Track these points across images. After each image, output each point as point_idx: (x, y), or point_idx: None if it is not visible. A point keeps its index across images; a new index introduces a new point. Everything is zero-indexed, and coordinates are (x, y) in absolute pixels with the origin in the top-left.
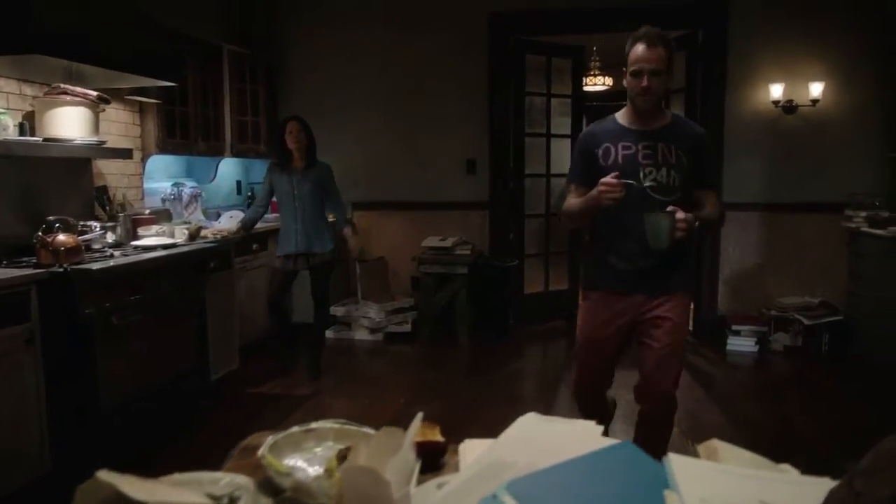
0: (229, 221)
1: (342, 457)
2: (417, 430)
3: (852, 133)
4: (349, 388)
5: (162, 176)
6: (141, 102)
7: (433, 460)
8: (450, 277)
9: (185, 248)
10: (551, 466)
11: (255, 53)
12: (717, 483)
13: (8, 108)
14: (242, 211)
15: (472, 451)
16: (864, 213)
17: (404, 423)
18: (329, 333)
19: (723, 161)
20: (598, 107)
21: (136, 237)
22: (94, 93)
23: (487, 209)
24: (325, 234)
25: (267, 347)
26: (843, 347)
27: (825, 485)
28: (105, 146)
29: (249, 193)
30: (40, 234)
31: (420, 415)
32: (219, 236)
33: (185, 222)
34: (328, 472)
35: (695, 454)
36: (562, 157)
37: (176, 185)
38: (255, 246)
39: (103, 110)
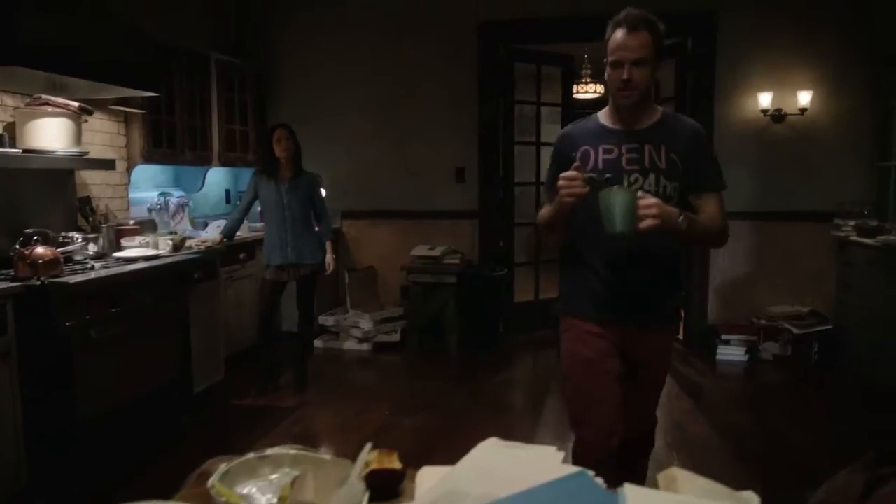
0: (216, 231)
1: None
2: (374, 457)
3: (841, 142)
4: (335, 400)
5: (149, 185)
6: (126, 112)
7: (390, 488)
8: (439, 287)
9: (169, 260)
10: (505, 498)
11: (245, 62)
12: None
13: None
14: None
15: (429, 478)
16: (852, 222)
17: (388, 436)
18: (317, 343)
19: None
20: (588, 114)
21: (120, 248)
22: (76, 103)
23: (477, 218)
24: (313, 245)
25: (254, 357)
26: (833, 357)
27: None
28: (87, 157)
29: (238, 202)
30: (18, 246)
31: (368, 445)
32: (203, 247)
33: (172, 233)
34: (280, 502)
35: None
36: None
37: (163, 194)
38: (242, 255)
39: (86, 121)
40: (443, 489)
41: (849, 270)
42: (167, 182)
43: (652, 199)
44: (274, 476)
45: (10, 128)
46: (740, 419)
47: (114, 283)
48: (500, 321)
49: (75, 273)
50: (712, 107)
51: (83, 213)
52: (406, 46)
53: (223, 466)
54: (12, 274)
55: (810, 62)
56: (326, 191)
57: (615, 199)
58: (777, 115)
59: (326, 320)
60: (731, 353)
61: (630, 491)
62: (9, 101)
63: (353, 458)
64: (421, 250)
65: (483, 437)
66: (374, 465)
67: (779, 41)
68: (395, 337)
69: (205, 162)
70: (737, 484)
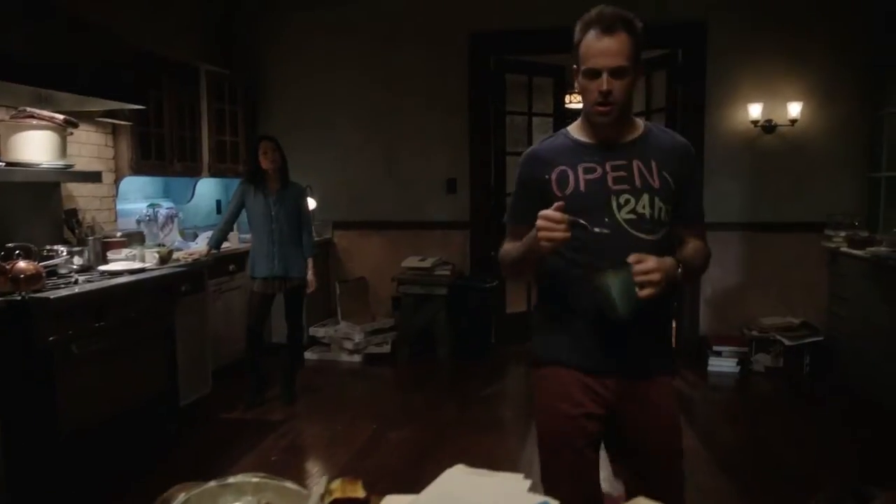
0: (206, 242)
1: None
2: (337, 486)
3: (831, 153)
4: (323, 413)
5: (138, 196)
6: (114, 124)
7: None
8: (429, 298)
9: (155, 273)
10: None
11: (235, 73)
12: None
13: None
14: None
15: None
16: (843, 233)
17: (374, 451)
18: (308, 354)
19: (703, 180)
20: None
21: (106, 261)
22: (61, 116)
23: (468, 229)
24: (300, 258)
25: (243, 370)
26: (825, 369)
27: None
28: (73, 170)
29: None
30: None
31: (325, 478)
32: (189, 259)
33: (160, 244)
34: None
35: None
36: None
37: (151, 205)
38: (231, 267)
39: (71, 133)
40: None
41: (840, 282)
42: (157, 193)
43: (650, 263)
44: None
45: None
46: (729, 432)
47: (97, 298)
48: (491, 332)
49: (58, 287)
50: (703, 118)
51: (69, 226)
52: (397, 56)
53: (182, 496)
54: None
55: (800, 73)
56: (318, 201)
57: (611, 283)
58: (768, 126)
59: (317, 331)
60: (723, 364)
61: None
62: None
63: (335, 477)
64: (412, 261)
65: (470, 451)
66: (338, 494)
67: (769, 52)
68: (386, 348)
69: (194, 173)
70: (721, 498)
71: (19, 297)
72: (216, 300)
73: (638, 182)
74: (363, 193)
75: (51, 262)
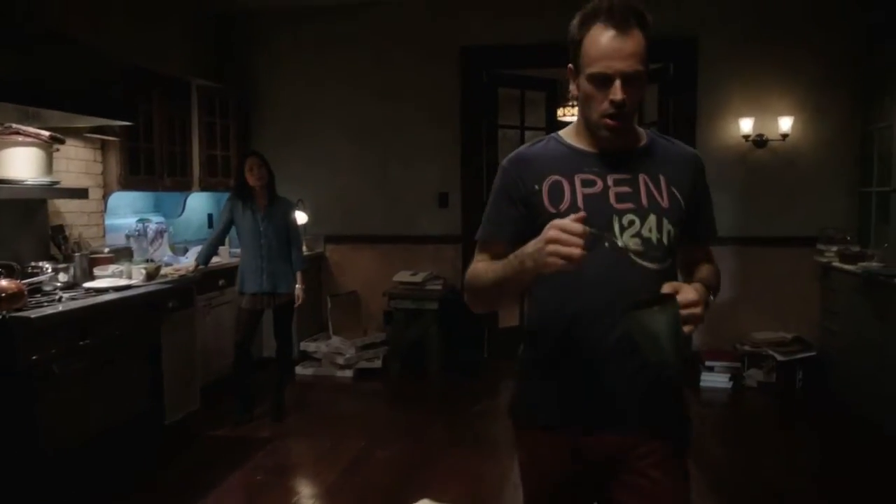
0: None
1: None
2: None
3: (822, 167)
4: (312, 430)
5: (127, 211)
6: (103, 140)
7: None
8: (421, 313)
9: (140, 290)
10: None
11: (227, 87)
12: None
13: None
14: None
15: None
16: (835, 248)
17: (361, 470)
18: (299, 369)
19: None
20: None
21: (92, 277)
22: (47, 133)
23: (460, 243)
24: (289, 273)
25: (232, 386)
26: (817, 384)
27: None
28: (59, 186)
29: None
30: None
31: None
32: (176, 275)
33: (148, 260)
34: None
35: None
36: None
37: (141, 220)
38: (221, 282)
39: (57, 150)
40: None
41: (832, 296)
42: (147, 208)
43: (691, 294)
44: None
45: None
46: (719, 450)
47: (81, 316)
48: (483, 347)
49: (41, 305)
50: (694, 132)
51: (56, 242)
52: (389, 70)
53: None
54: None
55: (791, 88)
56: (309, 215)
57: (659, 324)
58: (759, 141)
59: (308, 346)
60: (716, 379)
61: None
62: None
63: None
64: (403, 276)
65: (458, 470)
66: None
67: (759, 67)
68: (377, 363)
69: (185, 188)
70: None
71: (0, 317)
72: (206, 315)
73: (644, 200)
74: (355, 207)
75: (35, 279)
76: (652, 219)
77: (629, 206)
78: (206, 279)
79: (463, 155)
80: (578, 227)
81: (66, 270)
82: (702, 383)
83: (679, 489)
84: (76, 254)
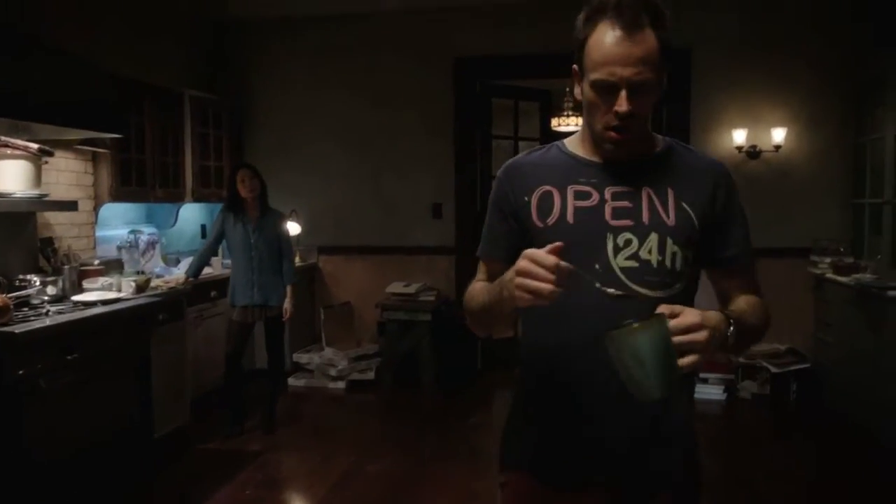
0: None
1: None
2: None
3: (816, 179)
4: (303, 443)
5: (119, 223)
6: (94, 152)
7: None
8: (414, 324)
9: (130, 303)
10: None
11: (220, 98)
12: None
13: None
14: None
15: None
16: (828, 260)
17: (351, 484)
18: (292, 381)
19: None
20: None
21: (81, 290)
22: (36, 145)
23: (454, 254)
24: (280, 286)
25: (224, 399)
26: (812, 396)
27: None
28: (48, 199)
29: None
30: None
31: None
32: (166, 288)
33: (139, 272)
34: None
35: None
36: None
37: (132, 232)
38: (213, 293)
39: (46, 162)
40: None
41: (826, 308)
42: (139, 218)
43: (689, 317)
44: None
45: None
46: (710, 465)
47: (68, 330)
48: (477, 358)
49: (28, 319)
50: (687, 143)
51: (44, 255)
52: (382, 80)
53: None
54: None
55: (784, 99)
56: (303, 225)
57: (639, 344)
58: (752, 152)
59: (301, 357)
60: (710, 391)
61: None
62: None
63: None
64: (396, 287)
65: (449, 485)
66: None
67: (753, 79)
68: (370, 375)
69: (177, 199)
70: None
71: None
72: (198, 327)
73: (645, 216)
74: (349, 218)
75: (22, 292)
76: (653, 238)
77: (626, 222)
78: (198, 290)
79: (457, 165)
80: (551, 259)
81: (54, 283)
82: (696, 395)
83: None
84: (65, 266)
